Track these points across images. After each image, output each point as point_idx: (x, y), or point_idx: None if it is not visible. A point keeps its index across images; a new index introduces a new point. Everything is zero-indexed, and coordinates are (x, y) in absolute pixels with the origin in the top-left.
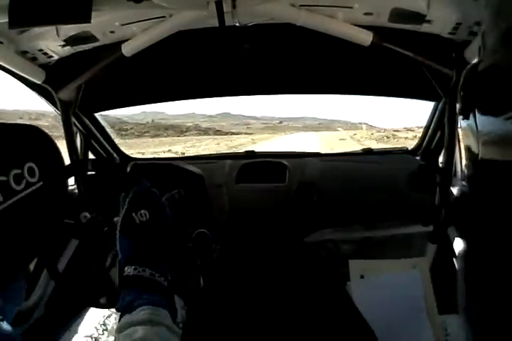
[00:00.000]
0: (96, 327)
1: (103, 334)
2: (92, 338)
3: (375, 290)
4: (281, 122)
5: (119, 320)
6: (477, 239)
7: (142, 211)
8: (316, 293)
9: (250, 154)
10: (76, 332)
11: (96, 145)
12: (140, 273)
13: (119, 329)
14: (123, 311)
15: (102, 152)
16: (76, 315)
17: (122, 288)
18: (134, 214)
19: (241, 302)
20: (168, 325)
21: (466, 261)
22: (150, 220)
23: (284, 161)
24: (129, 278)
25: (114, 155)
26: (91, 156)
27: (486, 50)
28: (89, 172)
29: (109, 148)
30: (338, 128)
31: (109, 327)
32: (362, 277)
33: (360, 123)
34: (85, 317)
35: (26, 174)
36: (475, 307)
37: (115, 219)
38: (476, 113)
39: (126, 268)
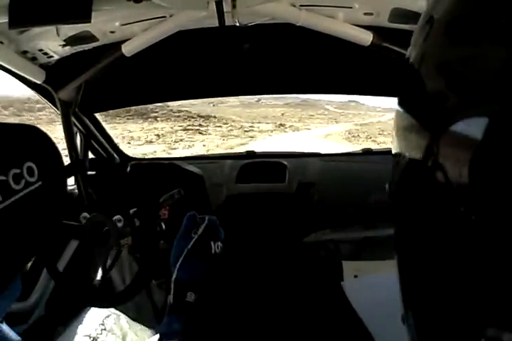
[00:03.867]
0: (95, 328)
1: (101, 333)
2: (91, 338)
3: (369, 290)
4: (259, 100)
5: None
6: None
7: (219, 243)
8: (315, 293)
9: (250, 154)
10: (76, 332)
11: (96, 145)
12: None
13: None
14: (168, 336)
15: (101, 152)
16: (76, 315)
17: (175, 312)
18: (212, 243)
19: (240, 301)
20: None
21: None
22: (222, 253)
23: (284, 161)
24: (187, 305)
25: (114, 155)
26: (91, 156)
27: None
28: (89, 172)
29: (109, 148)
30: (327, 106)
31: (107, 327)
32: (356, 277)
33: (350, 101)
34: (85, 317)
35: (25, 173)
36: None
37: (115, 218)
38: None
39: (188, 294)
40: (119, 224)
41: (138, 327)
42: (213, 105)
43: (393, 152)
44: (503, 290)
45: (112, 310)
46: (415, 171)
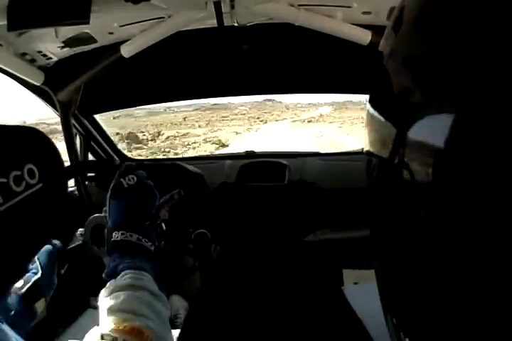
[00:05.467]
0: (95, 327)
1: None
2: (92, 339)
3: (369, 296)
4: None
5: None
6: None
7: (130, 175)
8: (315, 293)
9: (250, 154)
10: (77, 333)
11: (95, 146)
12: (127, 238)
13: (102, 295)
14: (108, 278)
15: (101, 153)
16: (77, 316)
17: (109, 253)
18: (122, 179)
19: (240, 301)
20: (151, 289)
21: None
22: (137, 184)
23: (284, 161)
24: (116, 243)
25: (114, 156)
26: (91, 158)
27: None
28: (89, 174)
29: (108, 149)
30: (241, 107)
31: None
32: (355, 283)
33: (266, 101)
34: (86, 317)
35: (26, 175)
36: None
37: (104, 208)
38: None
39: (114, 234)
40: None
41: None
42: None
43: (365, 150)
44: (467, 285)
45: None
46: (384, 169)
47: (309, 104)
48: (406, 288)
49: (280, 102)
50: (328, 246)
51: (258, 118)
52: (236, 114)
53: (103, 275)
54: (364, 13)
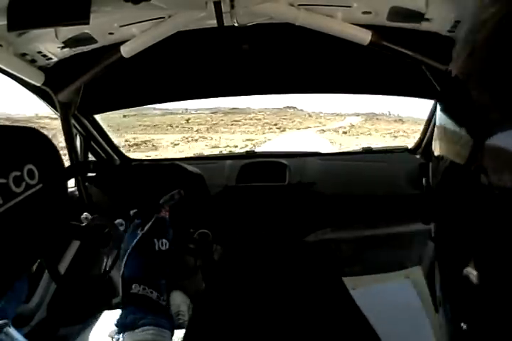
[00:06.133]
0: (96, 328)
1: (103, 334)
2: (93, 339)
3: (369, 300)
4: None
5: (118, 332)
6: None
7: (164, 240)
8: (316, 293)
9: (250, 154)
10: (77, 333)
11: (96, 146)
12: (148, 295)
13: None
14: (124, 328)
15: (101, 154)
16: (77, 316)
17: (127, 304)
18: (155, 240)
19: (242, 301)
20: None
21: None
22: (167, 251)
23: (284, 161)
24: (137, 297)
25: (114, 156)
26: (91, 158)
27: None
28: (89, 174)
29: (109, 149)
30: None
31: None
32: (353, 289)
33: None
34: (86, 318)
35: (26, 176)
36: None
37: (117, 221)
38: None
39: (134, 286)
40: (121, 228)
41: None
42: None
43: (436, 154)
44: None
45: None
46: (456, 175)
47: (332, 113)
48: (472, 280)
49: (302, 110)
50: (328, 246)
51: (275, 124)
52: (250, 119)
53: (115, 322)
54: (364, 12)
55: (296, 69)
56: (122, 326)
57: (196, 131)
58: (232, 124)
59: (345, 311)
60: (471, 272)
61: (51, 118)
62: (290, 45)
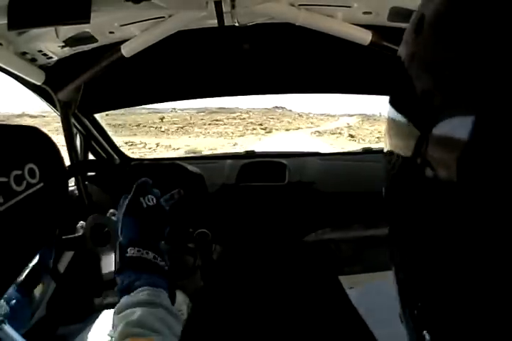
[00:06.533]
0: (96, 328)
1: (103, 333)
2: (93, 338)
3: (366, 298)
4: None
5: (118, 300)
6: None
7: (150, 196)
8: (315, 292)
9: (250, 154)
10: (77, 332)
11: (96, 146)
12: (143, 256)
13: (118, 311)
14: (122, 292)
15: (101, 153)
16: (77, 315)
17: (123, 268)
18: (141, 198)
19: (241, 301)
20: (167, 306)
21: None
22: (156, 206)
23: (284, 161)
24: (132, 260)
25: (114, 156)
26: (91, 157)
27: None
28: (89, 173)
29: (108, 148)
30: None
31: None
32: (351, 288)
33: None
34: (86, 317)
35: (27, 175)
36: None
37: (111, 210)
38: None
39: (129, 250)
40: (114, 218)
41: None
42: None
43: (385, 150)
44: (500, 288)
45: (113, 309)
46: (406, 170)
47: (322, 113)
48: (429, 283)
49: (290, 110)
50: (327, 246)
51: (260, 124)
52: (234, 118)
53: (115, 288)
54: (364, 13)
55: (297, 69)
56: (120, 291)
57: (163, 131)
58: (210, 124)
59: (344, 311)
60: (427, 276)
61: (32, 117)
62: (291, 45)
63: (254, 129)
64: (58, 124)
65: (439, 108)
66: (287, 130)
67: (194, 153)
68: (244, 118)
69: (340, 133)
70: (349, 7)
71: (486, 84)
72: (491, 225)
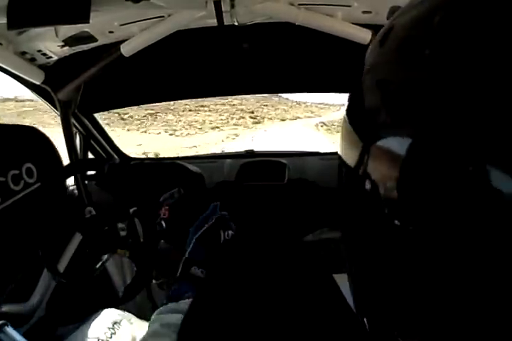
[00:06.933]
0: (106, 333)
1: (111, 337)
2: (93, 338)
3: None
4: None
5: (164, 304)
6: None
7: (230, 232)
8: (314, 292)
9: (250, 153)
10: (85, 335)
11: (95, 145)
12: (202, 275)
13: (161, 312)
14: (171, 298)
15: (101, 152)
16: (77, 315)
17: (181, 280)
18: (221, 231)
19: (240, 301)
20: None
21: None
22: (230, 241)
23: (284, 160)
24: (192, 276)
25: (114, 155)
26: (91, 157)
27: None
28: (88, 173)
29: (108, 148)
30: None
31: (117, 331)
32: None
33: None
34: (95, 320)
35: (24, 175)
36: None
37: (119, 226)
38: None
39: (193, 268)
40: (122, 233)
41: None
42: None
43: (338, 154)
44: (440, 293)
45: (122, 313)
46: (349, 179)
47: (320, 103)
48: (378, 292)
49: (287, 99)
50: (327, 245)
51: (252, 112)
52: (223, 104)
53: (167, 297)
54: (364, 12)
55: (297, 68)
56: (168, 298)
57: (124, 119)
58: (191, 110)
59: (342, 311)
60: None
61: (17, 101)
62: (290, 45)
63: (241, 118)
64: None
65: (382, 123)
66: (283, 120)
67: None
68: (234, 105)
69: None
70: (349, 6)
71: (426, 107)
72: (425, 238)
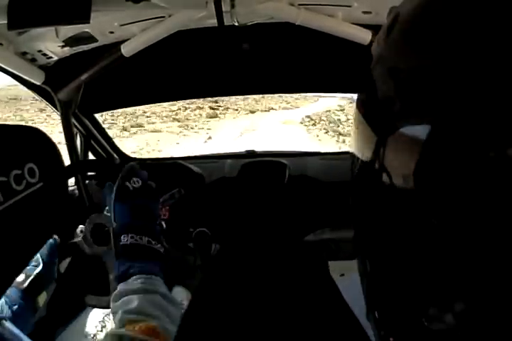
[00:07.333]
0: (95, 325)
1: (101, 331)
2: (93, 338)
3: (357, 287)
4: None
5: (116, 286)
6: None
7: (134, 178)
8: (314, 292)
9: (250, 153)
10: (76, 330)
11: (96, 145)
12: (137, 242)
13: (115, 298)
14: (119, 280)
15: (102, 152)
16: (77, 315)
17: (118, 256)
18: (127, 183)
19: (240, 301)
20: (163, 293)
21: None
22: (142, 186)
23: (284, 160)
24: (125, 247)
25: (114, 155)
26: (91, 157)
27: None
28: (89, 173)
29: (109, 148)
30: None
31: (108, 325)
32: (342, 275)
33: None
34: (86, 315)
35: (26, 175)
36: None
37: (106, 208)
38: None
39: (122, 237)
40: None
41: None
42: None
43: (350, 150)
44: (462, 288)
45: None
46: (366, 171)
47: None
48: (392, 287)
49: None
50: (328, 245)
51: (215, 102)
52: None
53: (111, 276)
54: (364, 12)
55: (297, 68)
56: (117, 279)
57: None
58: None
59: (341, 311)
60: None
61: None
62: (290, 45)
63: (198, 108)
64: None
65: (397, 113)
66: (252, 112)
67: None
68: None
69: (339, 120)
70: (349, 7)
71: (444, 93)
72: (446, 230)
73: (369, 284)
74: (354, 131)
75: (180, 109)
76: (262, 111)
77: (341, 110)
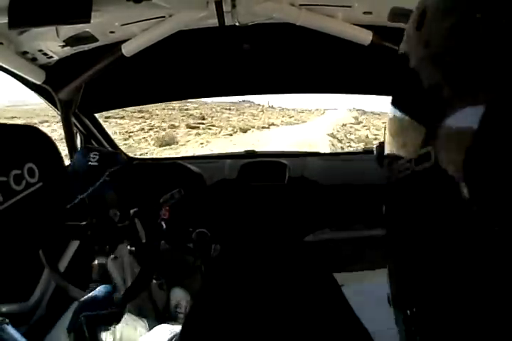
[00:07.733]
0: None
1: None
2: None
3: (356, 297)
4: None
5: None
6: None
7: (91, 154)
8: (314, 292)
9: (250, 154)
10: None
11: (96, 145)
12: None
13: None
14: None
15: None
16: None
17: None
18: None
19: (240, 301)
20: None
21: None
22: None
23: (284, 160)
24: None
25: None
26: None
27: None
28: None
29: (109, 148)
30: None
31: (108, 326)
32: (342, 286)
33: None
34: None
35: (26, 174)
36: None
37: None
38: None
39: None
40: (115, 218)
41: (131, 317)
42: None
43: (386, 152)
44: (503, 291)
45: None
46: (413, 170)
47: (294, 108)
48: (424, 285)
49: (259, 104)
50: (327, 246)
51: (203, 118)
52: (163, 108)
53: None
54: (365, 13)
55: (297, 69)
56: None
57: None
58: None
59: (342, 311)
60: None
61: None
62: (291, 45)
63: (177, 128)
64: None
65: (450, 101)
66: (244, 131)
67: None
68: (180, 109)
69: (367, 136)
70: (349, 7)
71: (496, 74)
72: (501, 231)
73: (404, 283)
74: (395, 133)
75: (135, 131)
76: (260, 128)
77: (358, 123)
